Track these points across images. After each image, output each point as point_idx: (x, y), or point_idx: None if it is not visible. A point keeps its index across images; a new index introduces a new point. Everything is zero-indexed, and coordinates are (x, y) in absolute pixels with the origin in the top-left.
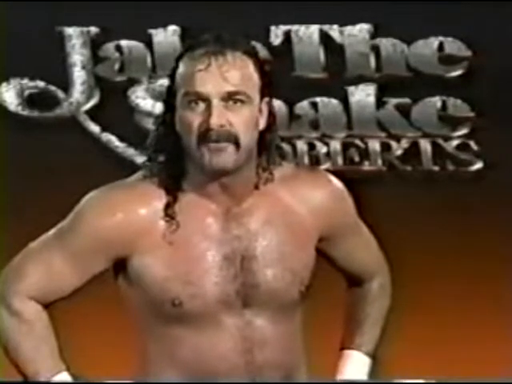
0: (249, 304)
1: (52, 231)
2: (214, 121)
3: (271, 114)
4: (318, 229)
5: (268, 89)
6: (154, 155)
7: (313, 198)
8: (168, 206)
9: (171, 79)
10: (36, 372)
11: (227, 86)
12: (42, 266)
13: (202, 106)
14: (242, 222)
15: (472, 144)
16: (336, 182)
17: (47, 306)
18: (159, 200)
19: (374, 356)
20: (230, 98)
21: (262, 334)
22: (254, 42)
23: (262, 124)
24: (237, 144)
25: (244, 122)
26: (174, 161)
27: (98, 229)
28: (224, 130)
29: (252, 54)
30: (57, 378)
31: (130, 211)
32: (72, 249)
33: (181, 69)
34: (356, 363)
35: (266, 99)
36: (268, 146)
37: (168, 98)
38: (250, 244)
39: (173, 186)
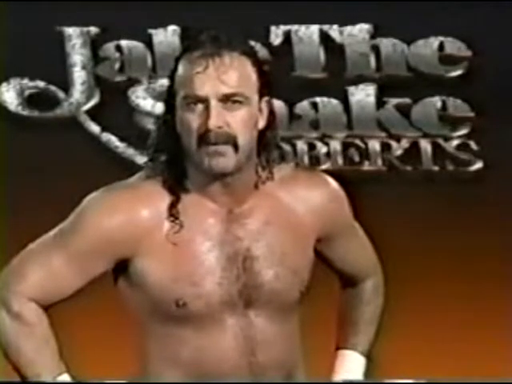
0: (251, 304)
1: (52, 232)
2: (213, 122)
3: (271, 113)
4: (315, 229)
5: (267, 88)
6: (156, 155)
7: (311, 198)
8: (172, 206)
9: (171, 80)
10: (37, 374)
11: (225, 87)
12: (43, 267)
13: (200, 107)
14: (243, 223)
15: (472, 144)
16: (333, 183)
17: (48, 307)
18: (162, 200)
19: (369, 356)
20: (228, 99)
21: (264, 334)
22: (253, 42)
23: (262, 123)
24: (235, 145)
25: (242, 122)
26: (176, 161)
27: (101, 230)
28: (222, 132)
29: (250, 53)
30: (58, 380)
31: (134, 212)
32: (74, 250)
33: (179, 71)
34: (352, 363)
35: (266, 98)
36: (268, 145)
37: (168, 98)
38: (252, 245)
39: (175, 186)
